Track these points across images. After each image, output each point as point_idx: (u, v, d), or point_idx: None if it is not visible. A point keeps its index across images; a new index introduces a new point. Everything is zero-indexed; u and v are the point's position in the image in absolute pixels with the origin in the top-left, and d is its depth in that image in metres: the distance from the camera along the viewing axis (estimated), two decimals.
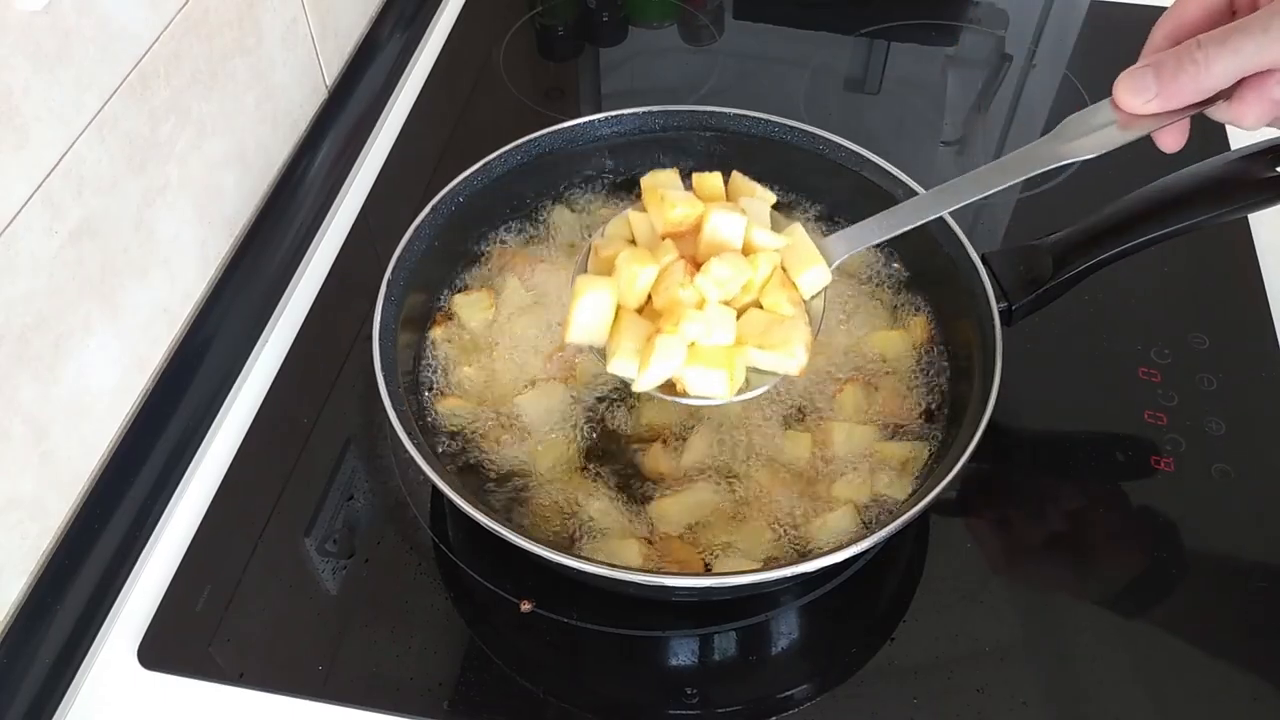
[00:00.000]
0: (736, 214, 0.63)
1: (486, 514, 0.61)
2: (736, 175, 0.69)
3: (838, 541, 0.66)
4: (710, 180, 0.67)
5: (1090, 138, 0.57)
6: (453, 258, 0.81)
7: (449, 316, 0.78)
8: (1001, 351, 0.67)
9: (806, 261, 0.64)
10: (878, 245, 0.68)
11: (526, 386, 0.74)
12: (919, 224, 0.64)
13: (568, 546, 0.67)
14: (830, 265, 0.65)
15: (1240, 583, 0.70)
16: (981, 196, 0.61)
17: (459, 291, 0.80)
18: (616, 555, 0.66)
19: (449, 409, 0.73)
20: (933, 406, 0.72)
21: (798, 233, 0.65)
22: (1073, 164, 0.58)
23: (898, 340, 0.75)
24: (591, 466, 0.71)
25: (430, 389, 0.74)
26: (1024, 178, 0.60)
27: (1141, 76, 0.54)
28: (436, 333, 0.77)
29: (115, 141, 0.69)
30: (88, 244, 0.68)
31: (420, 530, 0.73)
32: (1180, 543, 0.72)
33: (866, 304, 0.79)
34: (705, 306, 0.61)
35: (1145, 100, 0.54)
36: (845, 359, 0.75)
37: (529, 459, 0.71)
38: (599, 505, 0.69)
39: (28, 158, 0.62)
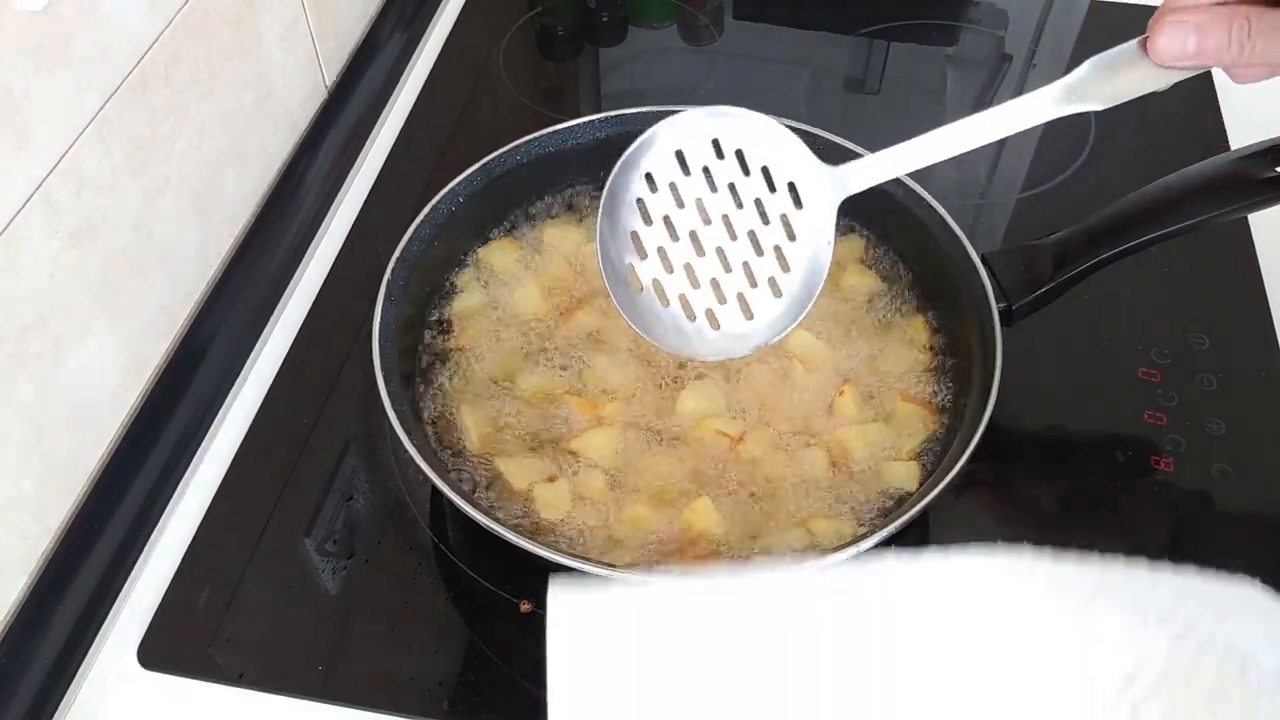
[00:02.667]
0: None
1: (487, 514, 0.61)
2: None
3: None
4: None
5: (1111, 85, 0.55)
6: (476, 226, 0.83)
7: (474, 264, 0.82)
8: (1001, 351, 0.67)
9: None
10: (876, 244, 0.74)
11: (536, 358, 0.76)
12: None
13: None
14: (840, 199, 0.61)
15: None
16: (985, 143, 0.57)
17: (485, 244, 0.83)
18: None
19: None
20: (945, 399, 0.72)
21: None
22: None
23: (903, 348, 0.75)
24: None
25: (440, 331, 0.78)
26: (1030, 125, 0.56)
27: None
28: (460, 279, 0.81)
29: (115, 141, 0.69)
30: (88, 244, 0.68)
31: (420, 530, 0.73)
32: (1180, 543, 0.72)
33: (865, 316, 0.78)
34: None
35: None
36: (848, 366, 0.75)
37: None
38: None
39: (28, 158, 0.62)
